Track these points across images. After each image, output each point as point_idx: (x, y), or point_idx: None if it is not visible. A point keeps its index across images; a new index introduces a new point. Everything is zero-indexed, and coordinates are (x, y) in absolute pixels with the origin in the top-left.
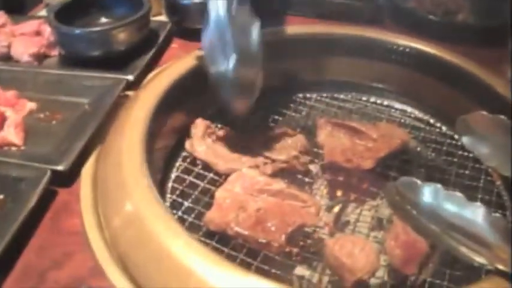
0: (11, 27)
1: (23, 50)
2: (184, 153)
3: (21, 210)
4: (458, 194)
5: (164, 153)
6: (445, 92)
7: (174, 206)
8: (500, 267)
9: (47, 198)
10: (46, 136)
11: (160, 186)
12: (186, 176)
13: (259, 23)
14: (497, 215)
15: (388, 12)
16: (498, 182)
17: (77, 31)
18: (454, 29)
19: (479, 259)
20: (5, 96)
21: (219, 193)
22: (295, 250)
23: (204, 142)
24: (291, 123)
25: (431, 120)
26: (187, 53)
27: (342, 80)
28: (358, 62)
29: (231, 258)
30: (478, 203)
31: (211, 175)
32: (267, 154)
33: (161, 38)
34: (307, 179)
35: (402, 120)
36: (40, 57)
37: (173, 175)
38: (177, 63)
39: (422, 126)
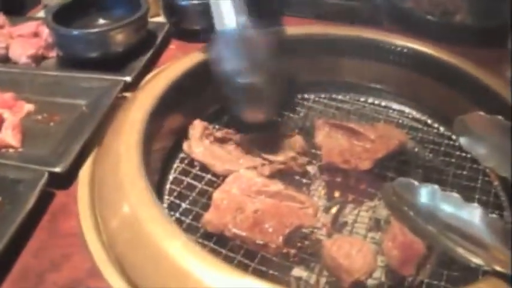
0: (9, 28)
1: (21, 51)
2: (182, 155)
3: (19, 212)
4: (455, 194)
5: (162, 154)
6: (442, 92)
7: (172, 207)
8: (498, 268)
9: (44, 200)
10: (44, 138)
11: (158, 188)
12: (183, 178)
13: (268, 34)
14: (494, 216)
15: (385, 13)
16: (496, 183)
17: (75, 32)
18: (452, 29)
19: (476, 260)
20: (2, 98)
21: (217, 194)
22: (292, 251)
23: (201, 143)
24: (289, 124)
25: (429, 121)
26: (185, 54)
27: (340, 81)
28: (356, 62)
29: (228, 260)
30: (475, 204)
31: (209, 176)
32: (265, 155)
33: (159, 39)
34: (305, 180)
35: (400, 121)
36: (38, 59)
37: (171, 176)
38: (174, 65)
39: (420, 126)
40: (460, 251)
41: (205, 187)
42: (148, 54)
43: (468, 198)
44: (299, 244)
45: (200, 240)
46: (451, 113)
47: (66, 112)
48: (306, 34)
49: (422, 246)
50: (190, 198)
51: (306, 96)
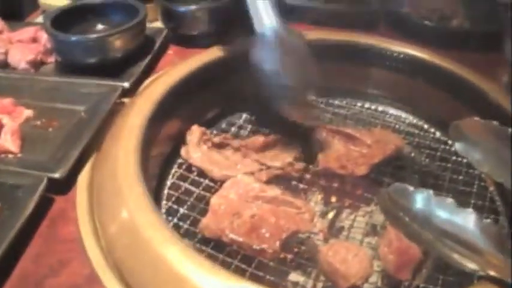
0: (8, 33)
1: (20, 57)
2: (179, 160)
3: (18, 217)
4: (450, 200)
5: (160, 160)
6: (439, 97)
7: (170, 212)
8: (492, 273)
9: (43, 206)
10: (43, 143)
11: (156, 193)
12: (181, 183)
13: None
14: (489, 220)
15: (383, 18)
16: (491, 188)
17: (73, 38)
18: (449, 34)
19: (471, 265)
20: (2, 103)
21: (214, 200)
22: (289, 256)
23: (199, 149)
24: (286, 129)
25: (426, 126)
26: (183, 60)
27: (336, 86)
28: (352, 68)
29: (225, 265)
30: (470, 209)
31: (206, 182)
32: (262, 161)
33: (157, 45)
34: (301, 186)
35: (397, 126)
36: (37, 64)
37: (169, 182)
38: (172, 70)
39: (416, 131)
40: (455, 256)
41: (202, 192)
42: (147, 60)
43: (464, 203)
44: (296, 249)
45: (198, 246)
46: (448, 118)
47: (65, 118)
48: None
49: (418, 251)
50: (188, 203)
51: None
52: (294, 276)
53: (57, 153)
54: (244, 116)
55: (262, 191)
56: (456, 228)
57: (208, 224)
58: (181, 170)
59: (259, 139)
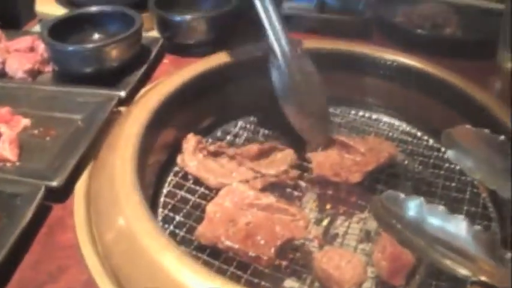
0: (5, 43)
1: (18, 66)
2: (176, 168)
3: (16, 225)
4: (441, 207)
5: (156, 168)
6: (432, 105)
7: (166, 220)
8: (484, 278)
9: (41, 214)
10: (40, 152)
11: (153, 201)
12: (177, 191)
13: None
14: (479, 227)
15: (376, 27)
16: (484, 194)
17: (70, 48)
18: (442, 42)
19: (463, 271)
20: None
21: (210, 207)
22: (284, 263)
23: (195, 157)
24: (281, 138)
25: (419, 134)
26: (178, 69)
27: (330, 94)
28: (346, 76)
29: (221, 272)
30: (461, 216)
31: (202, 189)
32: (257, 169)
33: (153, 54)
34: (296, 193)
35: (390, 134)
36: (34, 73)
37: (165, 190)
38: (168, 79)
39: (409, 139)
40: (447, 262)
41: (198, 200)
42: (143, 69)
43: (457, 209)
44: (291, 256)
45: (194, 253)
46: (440, 126)
47: (62, 126)
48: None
49: (411, 257)
50: (184, 211)
51: None
52: (289, 283)
53: (54, 162)
54: (239, 124)
55: (257, 198)
56: (448, 235)
57: (204, 231)
58: (177, 178)
59: (254, 147)
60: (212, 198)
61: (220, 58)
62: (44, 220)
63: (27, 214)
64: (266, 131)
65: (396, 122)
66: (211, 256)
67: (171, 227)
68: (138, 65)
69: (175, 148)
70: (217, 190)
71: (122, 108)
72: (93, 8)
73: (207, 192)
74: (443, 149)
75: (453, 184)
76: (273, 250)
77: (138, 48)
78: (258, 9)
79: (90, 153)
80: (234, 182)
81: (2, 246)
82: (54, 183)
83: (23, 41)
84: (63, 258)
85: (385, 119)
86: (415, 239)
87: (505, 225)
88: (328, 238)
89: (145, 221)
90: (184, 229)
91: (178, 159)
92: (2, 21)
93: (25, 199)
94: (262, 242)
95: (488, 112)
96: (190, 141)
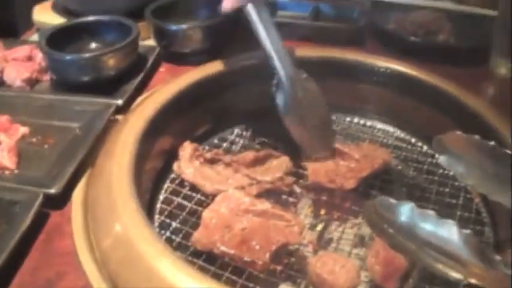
0: (3, 52)
1: (16, 75)
2: (172, 175)
3: (15, 232)
4: (431, 212)
5: (153, 175)
6: (425, 112)
7: (163, 226)
8: (475, 281)
9: (39, 221)
10: (38, 160)
11: (149, 207)
12: (174, 198)
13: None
14: (469, 231)
15: (370, 35)
16: (477, 199)
17: (68, 57)
18: (435, 49)
19: (455, 275)
20: None
21: (206, 213)
22: (279, 268)
23: (191, 164)
24: (276, 145)
25: (413, 140)
26: (174, 77)
27: (325, 102)
28: (341, 83)
29: (217, 277)
30: (451, 220)
31: (198, 196)
32: (253, 175)
33: (149, 62)
34: (291, 199)
35: (385, 140)
36: (32, 82)
37: (161, 196)
38: (164, 88)
39: (404, 145)
40: (439, 266)
41: (195, 206)
42: (139, 77)
43: (450, 215)
44: (285, 261)
45: (190, 258)
46: (434, 132)
47: (60, 135)
48: (294, 57)
49: (404, 262)
50: (181, 217)
51: None
52: (284, 287)
53: (52, 170)
54: (235, 131)
55: (253, 204)
56: (438, 239)
57: (200, 237)
58: (173, 185)
59: (250, 154)
60: (208, 204)
61: (216, 66)
62: (42, 227)
63: (26, 221)
64: (262, 139)
65: (391, 129)
66: (207, 261)
67: (168, 233)
68: (135, 73)
69: (172, 155)
70: (214, 196)
71: (119, 116)
72: (91, 18)
73: (203, 198)
74: (437, 155)
75: (447, 190)
76: (267, 255)
77: (134, 57)
78: (261, 37)
79: (88, 161)
80: (230, 189)
81: (2, 251)
82: (52, 191)
83: (21, 50)
84: (61, 265)
85: (380, 125)
86: (407, 244)
87: (498, 230)
88: (322, 243)
89: (142, 228)
90: (180, 235)
91: (175, 166)
92: (0, 30)
93: (24, 206)
94: (257, 247)
95: (481, 119)
96: (187, 148)
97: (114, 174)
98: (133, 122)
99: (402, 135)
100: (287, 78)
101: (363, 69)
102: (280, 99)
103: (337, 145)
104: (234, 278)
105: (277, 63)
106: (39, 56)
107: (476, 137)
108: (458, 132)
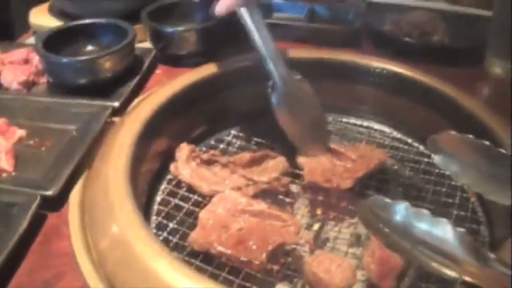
0: (0, 55)
1: (12, 77)
2: (169, 176)
3: (13, 233)
4: (425, 211)
5: (150, 176)
6: (421, 112)
7: (160, 227)
8: (470, 280)
9: (37, 222)
10: (36, 162)
11: (146, 209)
12: (171, 199)
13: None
14: (463, 230)
15: (366, 36)
16: (473, 199)
17: (64, 60)
18: (430, 50)
19: (450, 273)
20: None
21: (203, 214)
22: (275, 267)
23: (188, 165)
24: (273, 146)
25: (409, 140)
26: (171, 79)
27: (321, 103)
28: (337, 84)
29: (214, 277)
30: (445, 219)
31: (195, 197)
32: (249, 176)
33: (146, 65)
34: (288, 199)
35: (381, 141)
36: (29, 85)
37: (159, 197)
38: (160, 89)
39: (400, 146)
40: (434, 265)
41: (192, 207)
42: (136, 80)
43: (447, 214)
44: (282, 260)
45: (187, 259)
46: (430, 133)
47: (57, 137)
48: (288, 58)
49: (400, 261)
50: (178, 218)
51: None
52: (281, 287)
53: (49, 172)
54: (232, 132)
55: (249, 205)
56: (433, 238)
57: (197, 237)
58: (170, 186)
59: (246, 155)
60: (205, 205)
61: (211, 68)
62: (39, 228)
63: (24, 223)
64: (259, 139)
65: (387, 129)
66: (204, 262)
67: (165, 234)
68: (132, 75)
69: (168, 156)
70: (210, 197)
71: (116, 119)
72: (87, 20)
73: (200, 199)
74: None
75: (443, 189)
76: (264, 255)
77: (131, 59)
78: (253, 40)
79: (85, 163)
80: (227, 189)
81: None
82: (50, 193)
83: (18, 53)
84: (59, 266)
85: (376, 126)
86: (402, 243)
87: (494, 228)
88: (319, 243)
89: (139, 229)
90: (177, 236)
91: (172, 168)
92: None
93: (21, 208)
94: (254, 247)
95: (476, 119)
96: (184, 150)
97: (110, 176)
98: (129, 124)
99: (399, 135)
100: (280, 79)
101: (359, 70)
102: (274, 98)
103: (334, 145)
104: (231, 278)
105: (270, 64)
106: (36, 58)
107: (471, 136)
108: (453, 132)
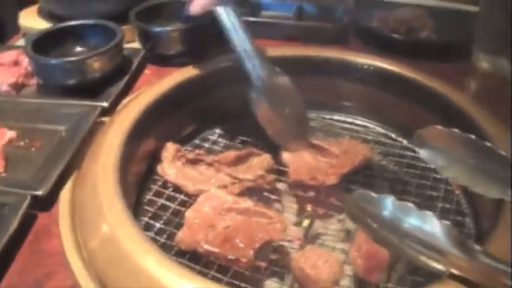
0: None
1: (2, 79)
2: (156, 177)
3: (4, 233)
4: (411, 204)
5: (137, 176)
6: (406, 107)
7: (147, 228)
8: (456, 272)
9: (27, 222)
10: (26, 163)
11: (134, 209)
12: (157, 199)
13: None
14: (449, 222)
15: (354, 33)
16: (457, 191)
17: (53, 61)
18: (417, 46)
19: (437, 266)
20: None
21: (189, 213)
22: (263, 265)
23: (174, 165)
24: (258, 144)
25: (393, 135)
26: (159, 79)
27: (305, 99)
28: (321, 81)
29: (202, 275)
30: (430, 212)
31: (181, 197)
32: (235, 174)
33: (134, 65)
34: (273, 197)
35: (365, 136)
36: (18, 87)
37: (146, 198)
38: (149, 89)
39: (385, 141)
40: (421, 258)
41: (178, 207)
42: (125, 80)
43: (432, 207)
44: (271, 257)
45: (174, 258)
46: (415, 127)
47: (47, 138)
48: (273, 56)
49: (387, 254)
50: (164, 218)
51: None
52: (270, 284)
53: (39, 172)
54: (217, 131)
55: (235, 203)
56: (419, 232)
57: (183, 236)
58: (156, 186)
59: (231, 154)
60: (191, 204)
61: (198, 68)
62: (30, 228)
63: (14, 223)
64: (243, 138)
65: (371, 125)
66: (192, 261)
67: (152, 234)
68: (120, 76)
69: (156, 156)
70: (197, 197)
71: (105, 119)
72: (75, 22)
73: (186, 199)
74: (417, 150)
75: (428, 183)
76: (252, 252)
77: (119, 59)
78: (230, 39)
79: (74, 163)
80: (212, 188)
81: None
82: (40, 192)
83: (7, 55)
84: (49, 265)
85: (361, 122)
86: (389, 236)
87: (479, 220)
88: (308, 239)
89: (128, 227)
90: (164, 235)
91: (158, 168)
92: None
93: (12, 208)
94: (241, 245)
95: (463, 113)
96: (169, 149)
97: (100, 176)
98: (118, 124)
99: (383, 130)
100: (257, 77)
101: (344, 66)
102: (252, 96)
103: (317, 141)
104: (219, 275)
105: (246, 62)
106: (25, 60)
107: (456, 130)
108: (438, 126)
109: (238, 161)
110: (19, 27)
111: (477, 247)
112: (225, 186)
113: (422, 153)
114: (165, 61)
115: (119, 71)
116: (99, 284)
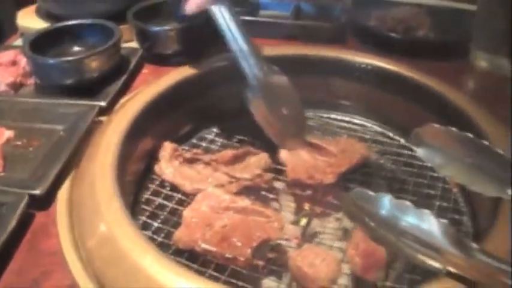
0: None
1: (0, 79)
2: (153, 176)
3: (1, 233)
4: (408, 202)
5: (135, 175)
6: (404, 106)
7: (145, 227)
8: (453, 270)
9: (25, 221)
10: (24, 162)
11: (131, 208)
12: (155, 198)
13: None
14: (446, 221)
15: (352, 32)
16: (455, 190)
17: (51, 61)
18: (415, 44)
19: (434, 264)
20: None
21: (187, 213)
22: (261, 263)
23: (171, 164)
24: (255, 142)
25: (391, 134)
26: (157, 78)
27: (303, 98)
28: (319, 79)
29: (200, 274)
30: (428, 211)
31: (179, 196)
32: (232, 173)
33: (132, 64)
34: (271, 196)
35: (363, 135)
36: (16, 86)
37: (143, 197)
38: (147, 89)
39: (382, 139)
40: (419, 256)
41: (175, 206)
42: (122, 79)
43: (429, 205)
44: (269, 255)
45: (172, 257)
46: (412, 126)
47: (45, 137)
48: (271, 55)
49: (384, 253)
50: (162, 217)
51: None
52: (267, 282)
53: (37, 171)
54: (214, 130)
55: (233, 202)
56: (417, 230)
57: (181, 235)
58: (154, 186)
59: (229, 153)
60: (189, 203)
61: (195, 67)
62: (28, 227)
63: (12, 222)
64: (241, 137)
65: (369, 123)
66: (190, 260)
67: (150, 233)
68: (118, 75)
69: (154, 156)
70: (194, 196)
71: (103, 118)
72: (73, 21)
73: (183, 198)
74: (414, 148)
75: (425, 181)
76: (249, 251)
77: (117, 59)
78: (225, 38)
79: (72, 162)
80: (210, 187)
81: None
82: (37, 192)
83: (5, 55)
84: (47, 264)
85: (358, 120)
86: (386, 235)
87: (476, 218)
88: (306, 238)
89: (126, 226)
90: (162, 235)
91: (156, 167)
92: None
93: (10, 208)
94: (238, 243)
95: (461, 112)
96: (167, 148)
97: (97, 175)
98: (116, 123)
99: (380, 129)
100: (253, 76)
101: (342, 65)
102: (249, 95)
103: (315, 140)
104: (216, 274)
105: (241, 61)
106: (23, 60)
107: (453, 129)
108: (436, 125)
109: (236, 160)
110: (17, 27)
111: (474, 245)
112: (222, 185)
113: (420, 151)
114: (163, 60)
115: (116, 71)
116: (97, 283)
